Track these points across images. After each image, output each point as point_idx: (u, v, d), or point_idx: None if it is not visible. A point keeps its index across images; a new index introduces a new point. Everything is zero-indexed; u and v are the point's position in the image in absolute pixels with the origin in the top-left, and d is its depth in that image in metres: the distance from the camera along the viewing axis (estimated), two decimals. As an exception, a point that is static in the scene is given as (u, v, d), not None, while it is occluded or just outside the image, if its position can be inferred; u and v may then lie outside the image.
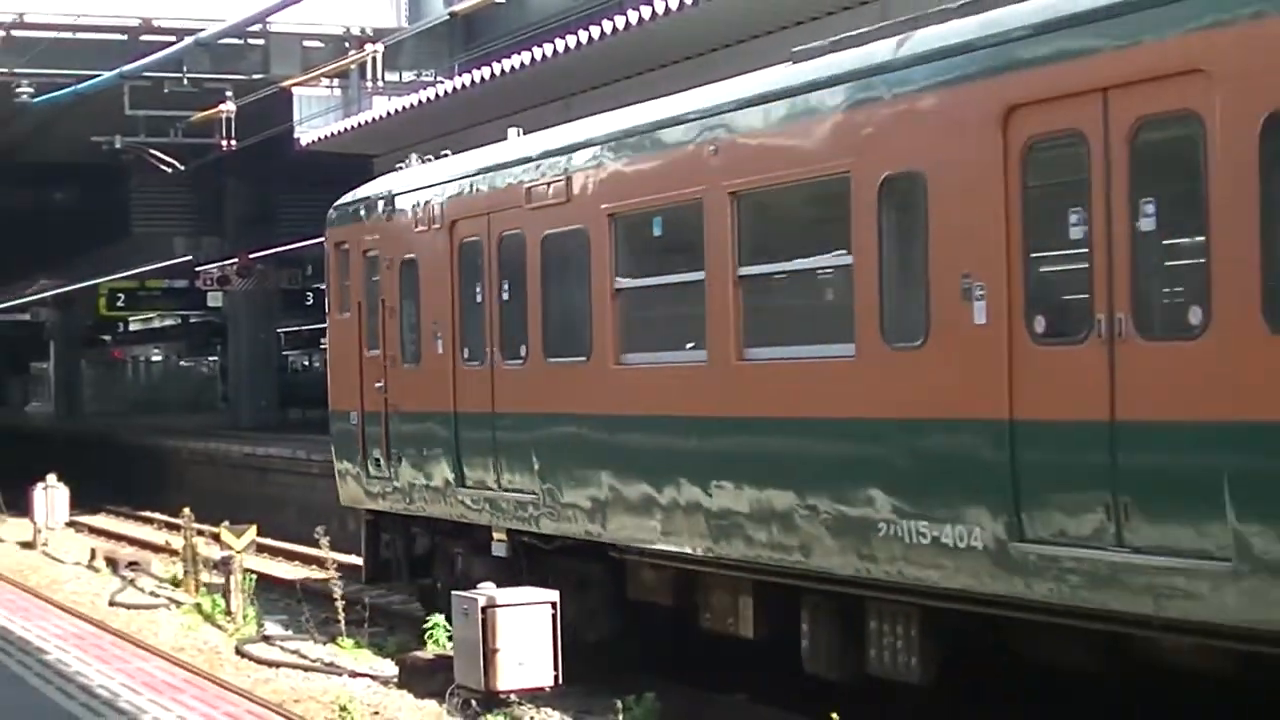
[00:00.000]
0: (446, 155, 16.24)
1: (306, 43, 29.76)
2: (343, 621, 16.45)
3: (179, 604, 19.96)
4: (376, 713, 13.58)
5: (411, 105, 24.36)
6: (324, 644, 16.68)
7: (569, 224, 13.52)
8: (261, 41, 29.42)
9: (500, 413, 14.53)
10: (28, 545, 28.28)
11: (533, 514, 14.11)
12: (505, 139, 15.32)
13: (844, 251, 10.72)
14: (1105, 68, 8.97)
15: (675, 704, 13.03)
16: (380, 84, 28.06)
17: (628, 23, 19.07)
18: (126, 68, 26.50)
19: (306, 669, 15.56)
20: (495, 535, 14.84)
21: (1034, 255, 9.49)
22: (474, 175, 15.08)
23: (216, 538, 19.99)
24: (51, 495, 28.48)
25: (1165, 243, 8.87)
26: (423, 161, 16.65)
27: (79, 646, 15.64)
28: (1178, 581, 8.65)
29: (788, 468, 11.18)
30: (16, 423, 60.22)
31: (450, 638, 13.78)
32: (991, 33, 9.75)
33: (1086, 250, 9.13)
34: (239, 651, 16.64)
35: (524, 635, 12.81)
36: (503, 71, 21.80)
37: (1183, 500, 8.64)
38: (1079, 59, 9.13)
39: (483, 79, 22.34)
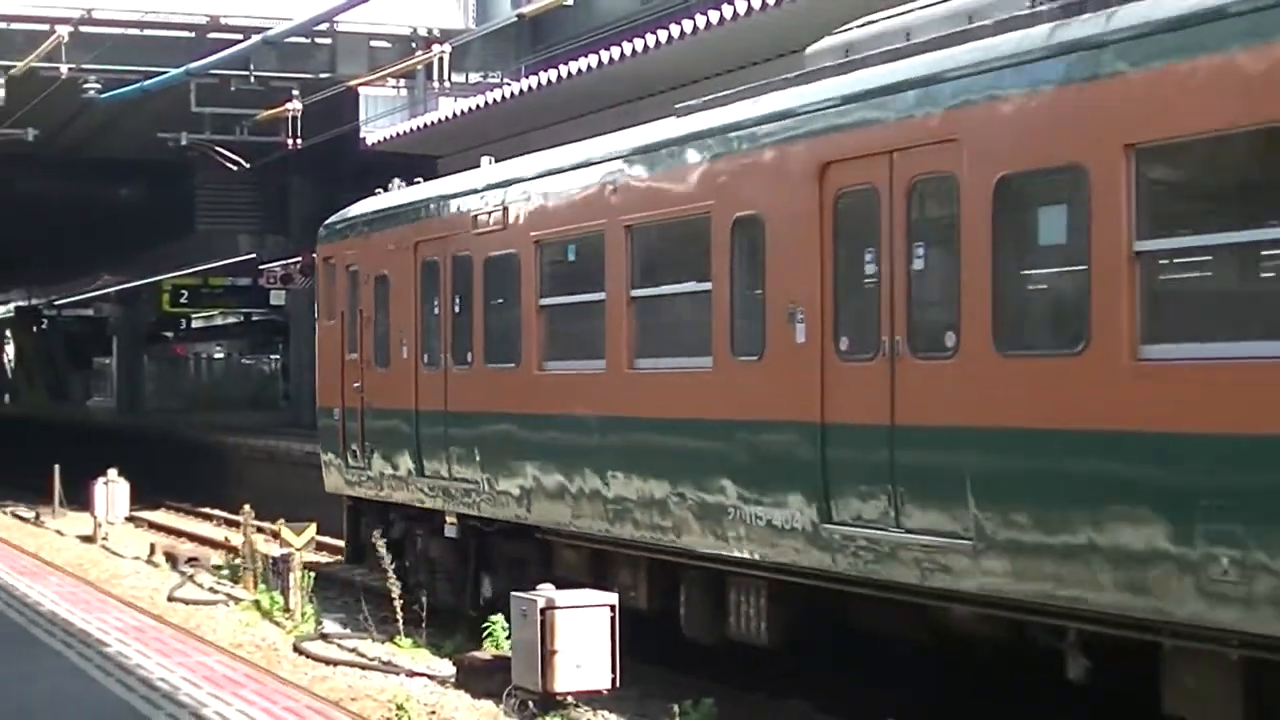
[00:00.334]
0: (418, 182, 18.36)
1: (373, 43, 30.06)
2: (401, 621, 16.45)
3: (237, 600, 19.99)
4: (433, 712, 13.63)
5: (477, 107, 24.74)
6: (382, 643, 16.83)
7: (505, 248, 15.66)
8: (328, 41, 29.75)
9: (451, 411, 16.70)
10: (88, 539, 28.51)
11: (476, 500, 16.25)
12: (566, 143, 16.16)
13: (706, 278, 12.75)
14: (891, 135, 11.02)
15: (732, 710, 13.24)
16: (446, 85, 28.31)
17: (695, 27, 19.39)
18: (193, 65, 26.89)
19: (364, 667, 15.65)
20: (448, 519, 16.98)
21: (841, 287, 11.49)
22: (434, 202, 17.26)
23: (276, 535, 20.22)
24: (112, 490, 28.64)
25: (930, 279, 10.86)
26: (400, 188, 18.77)
27: (139, 640, 15.62)
28: (937, 557, 10.67)
29: (664, 461, 13.26)
30: (78, 417, 61.01)
31: (509, 638, 14.07)
32: (811, 100, 11.79)
33: (877, 284, 11.14)
34: (297, 649, 16.71)
35: (582, 637, 12.88)
36: (569, 74, 22.13)
37: (939, 491, 10.65)
38: (873, 126, 11.19)
39: (549, 82, 22.71)
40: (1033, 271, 10.36)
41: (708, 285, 12.84)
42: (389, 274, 18.22)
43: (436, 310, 17.13)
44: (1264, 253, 9.06)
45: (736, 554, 12.66)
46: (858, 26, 12.42)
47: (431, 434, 17.14)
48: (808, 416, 11.74)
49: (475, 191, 16.46)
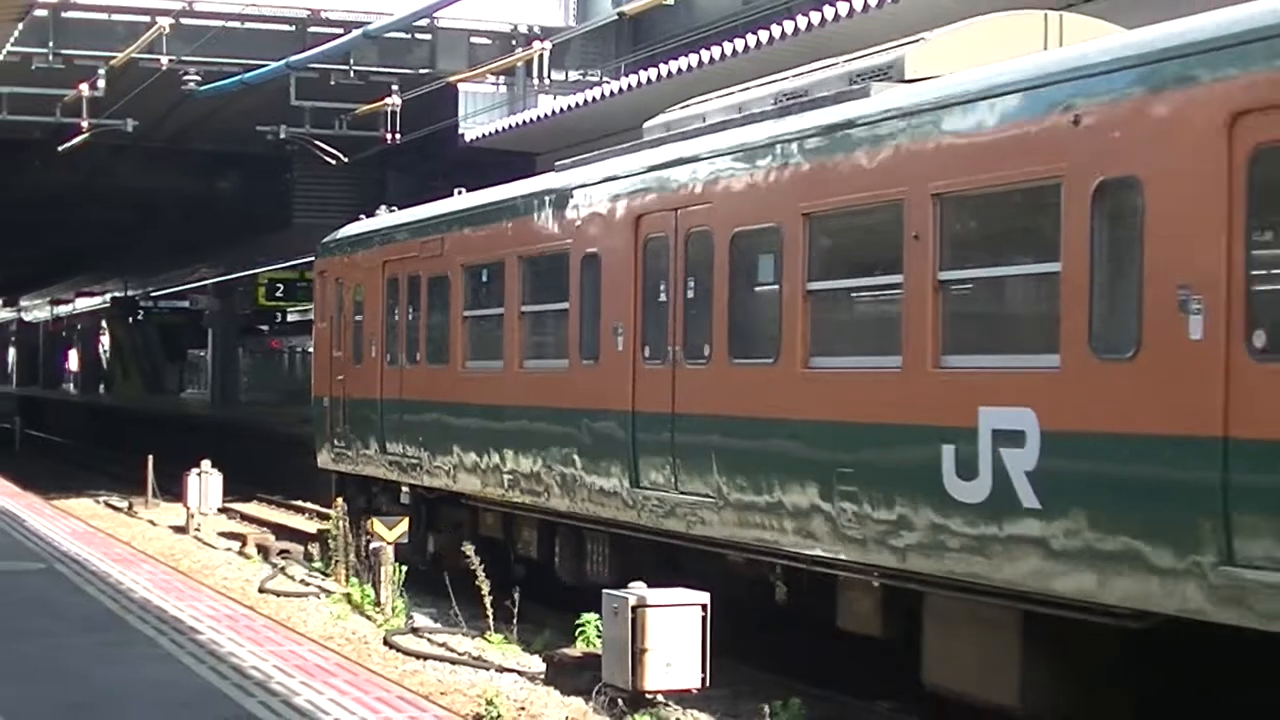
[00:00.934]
0: (394, 209, 22.77)
1: (474, 39, 30.92)
2: (491, 616, 17.29)
3: (328, 593, 20.71)
4: (523, 708, 14.18)
5: (576, 105, 25.75)
6: (472, 638, 17.69)
7: (442, 270, 19.98)
8: (429, 37, 30.61)
9: (404, 401, 21.04)
10: (180, 530, 29.54)
11: (420, 473, 20.68)
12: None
13: (565, 299, 17.02)
14: (675, 197, 15.30)
15: (821, 711, 13.94)
16: (546, 82, 29.09)
17: (796, 28, 20.22)
18: (293, 58, 27.65)
19: (454, 662, 16.40)
20: (402, 488, 21.29)
21: (647, 309, 15.69)
22: (396, 229, 21.65)
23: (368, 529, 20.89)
24: (205, 481, 29.47)
25: (697, 306, 15.06)
26: (383, 213, 23.23)
27: (231, 628, 16.07)
28: (698, 512, 14.87)
29: (538, 441, 17.51)
30: (172, 409, 62.81)
31: (599, 636, 14.75)
32: (630, 168, 16.06)
33: (667, 307, 15.34)
34: (387, 642, 17.49)
35: (673, 636, 13.48)
36: (669, 74, 23.09)
37: (699, 462, 14.84)
38: (666, 190, 15.42)
39: (649, 80, 23.66)
40: (751, 302, 14.52)
41: (566, 305, 17.08)
42: (363, 286, 22.67)
43: (396, 318, 21.51)
44: (870, 294, 13.18)
45: (585, 512, 16.86)
46: (679, 108, 16.61)
47: (390, 420, 21.51)
48: (623, 406, 15.95)
49: (421, 223, 20.81)
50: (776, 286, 13.94)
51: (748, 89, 15.78)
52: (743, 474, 14.35)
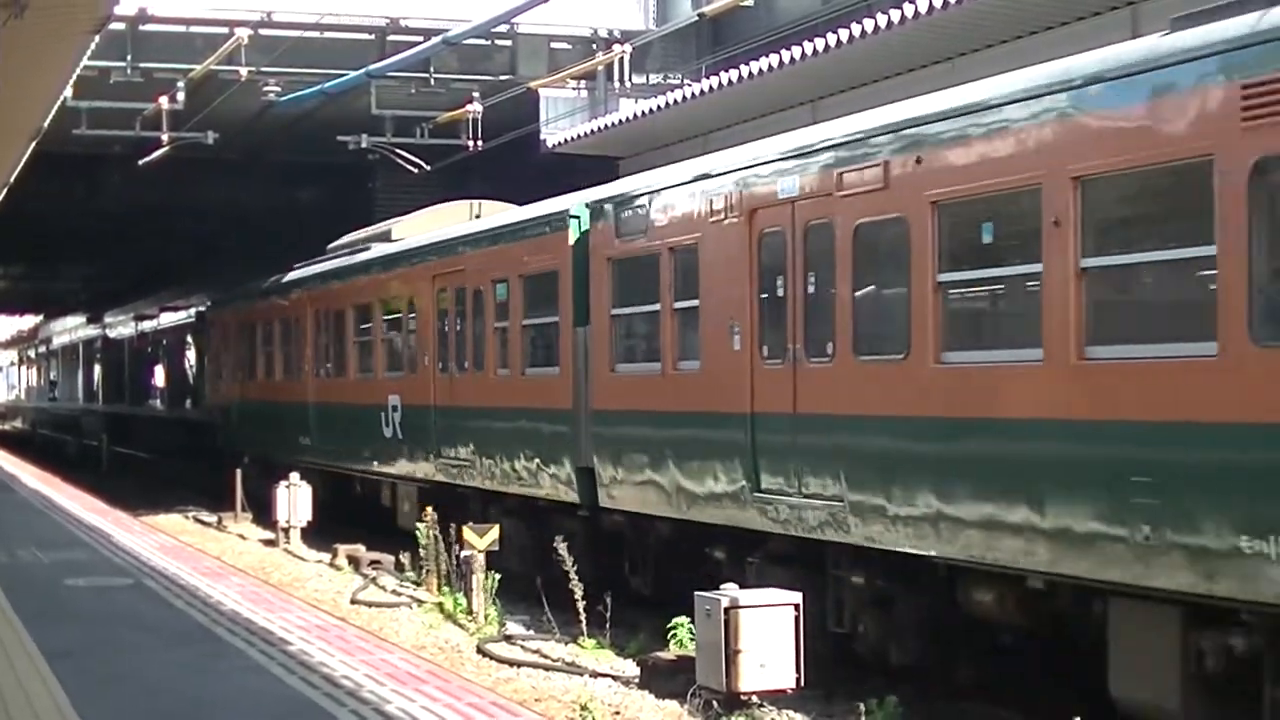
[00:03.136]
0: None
1: (554, 44, 33.51)
2: (584, 622, 18.61)
3: (420, 603, 22.50)
4: (617, 713, 15.23)
5: (658, 108, 28.06)
6: (565, 644, 19.07)
7: (267, 322, 39.11)
8: (509, 42, 33.29)
9: (248, 400, 41.04)
10: (270, 543, 32.14)
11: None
12: (745, 143, 19.90)
13: (305, 344, 35.24)
14: (324, 293, 33.80)
15: (918, 709, 14.92)
16: (627, 86, 31.38)
17: (876, 26, 21.80)
18: (373, 67, 29.74)
19: (548, 668, 17.70)
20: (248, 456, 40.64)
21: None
22: (242, 296, 41.65)
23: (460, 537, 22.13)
24: (294, 493, 31.74)
25: (335, 343, 32.26)
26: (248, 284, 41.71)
27: (322, 639, 17.10)
28: (343, 462, 31.42)
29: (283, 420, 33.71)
30: None
31: (693, 638, 15.83)
32: (305, 275, 36.62)
33: (345, 348, 30.52)
34: (480, 650, 18.83)
35: (767, 636, 14.48)
36: (750, 75, 24.89)
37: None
38: (321, 288, 34.42)
39: (730, 82, 25.54)
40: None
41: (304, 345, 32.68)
42: (228, 332, 43.38)
43: (247, 351, 40.89)
44: (360, 343, 30.97)
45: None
46: (361, 233, 32.73)
47: (243, 413, 40.84)
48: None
49: (253, 291, 40.53)
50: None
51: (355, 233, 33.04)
52: (340, 433, 31.78)
